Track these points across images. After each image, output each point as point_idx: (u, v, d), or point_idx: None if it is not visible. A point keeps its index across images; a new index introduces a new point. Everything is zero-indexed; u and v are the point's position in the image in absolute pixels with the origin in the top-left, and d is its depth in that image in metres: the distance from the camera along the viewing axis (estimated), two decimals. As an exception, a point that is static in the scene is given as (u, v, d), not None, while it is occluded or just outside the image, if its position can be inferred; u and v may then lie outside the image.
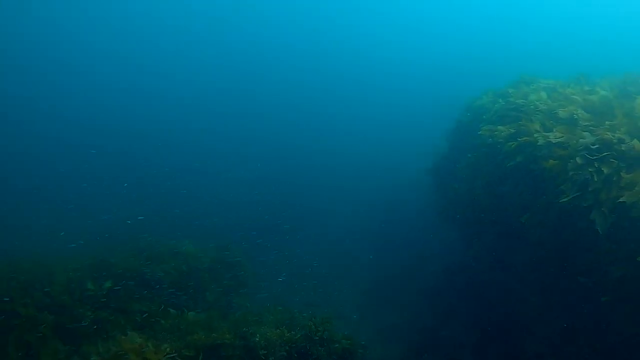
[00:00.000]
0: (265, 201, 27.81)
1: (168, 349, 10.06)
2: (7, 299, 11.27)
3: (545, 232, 10.89)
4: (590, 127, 11.19)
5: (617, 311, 9.43)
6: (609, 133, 10.47)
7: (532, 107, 13.78)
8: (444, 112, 23.73)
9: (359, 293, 19.46)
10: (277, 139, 37.71)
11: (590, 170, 9.73)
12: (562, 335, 11.15)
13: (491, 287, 14.69)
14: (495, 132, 13.47)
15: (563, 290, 11.16)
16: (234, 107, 42.99)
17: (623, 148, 9.87)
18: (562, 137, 11.22)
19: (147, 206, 23.96)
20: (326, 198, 28.86)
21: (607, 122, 11.18)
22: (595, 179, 9.54)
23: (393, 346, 15.77)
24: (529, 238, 11.57)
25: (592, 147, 10.16)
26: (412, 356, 15.32)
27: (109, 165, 30.08)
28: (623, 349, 9.68)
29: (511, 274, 13.32)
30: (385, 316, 17.81)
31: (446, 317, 16.58)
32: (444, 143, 21.36)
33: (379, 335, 16.33)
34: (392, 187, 29.68)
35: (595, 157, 9.94)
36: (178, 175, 29.87)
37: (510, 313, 13.34)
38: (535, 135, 11.86)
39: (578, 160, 10.07)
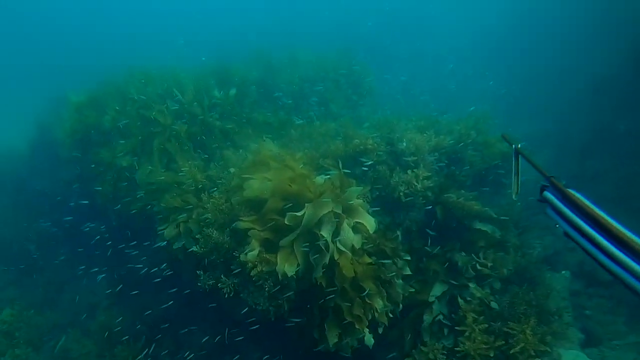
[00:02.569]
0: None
1: (304, 158, 9.38)
2: (146, 102, 11.08)
3: None
4: None
5: None
6: None
7: None
8: None
9: (505, 91, 16.93)
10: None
11: None
12: None
13: None
14: None
15: None
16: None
17: None
18: None
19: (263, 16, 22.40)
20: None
21: None
22: None
23: (550, 152, 14.04)
24: None
25: None
26: (572, 161, 13.55)
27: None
28: None
29: None
30: (540, 119, 15.64)
31: (625, 110, 13.73)
32: None
33: (535, 139, 14.28)
34: None
35: None
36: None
37: None
38: None
39: None
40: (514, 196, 3.15)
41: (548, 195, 2.44)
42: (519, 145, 2.94)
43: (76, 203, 11.40)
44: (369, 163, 8.89)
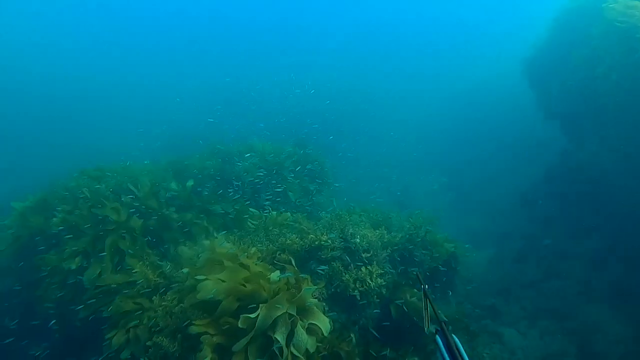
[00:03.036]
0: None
1: (259, 254, 9.46)
2: (99, 205, 10.87)
3: None
4: None
5: None
6: None
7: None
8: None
9: (447, 196, 18.43)
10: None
11: None
12: None
13: (609, 193, 12.97)
14: (631, 11, 11.18)
15: None
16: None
17: None
18: None
19: (217, 109, 23.14)
20: (403, 92, 27.01)
21: None
22: None
23: (488, 252, 14.81)
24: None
25: None
26: (509, 264, 14.35)
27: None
28: None
29: (638, 179, 11.52)
30: (477, 221, 16.77)
31: (546, 225, 15.29)
32: (542, 34, 18.62)
33: (472, 240, 15.40)
34: (480, 85, 27.18)
35: None
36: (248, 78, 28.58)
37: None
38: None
39: None
40: (426, 330, 3.52)
41: (437, 339, 2.90)
42: (426, 287, 3.60)
43: (12, 319, 10.50)
44: (324, 267, 9.00)
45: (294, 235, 10.04)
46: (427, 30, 37.06)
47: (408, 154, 22.31)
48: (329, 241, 9.36)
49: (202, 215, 12.41)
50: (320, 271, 8.93)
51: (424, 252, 10.06)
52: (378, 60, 33.63)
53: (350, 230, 9.59)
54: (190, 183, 12.82)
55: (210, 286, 7.91)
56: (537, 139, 19.44)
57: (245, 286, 7.86)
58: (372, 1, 42.87)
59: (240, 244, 10.38)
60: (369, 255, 9.31)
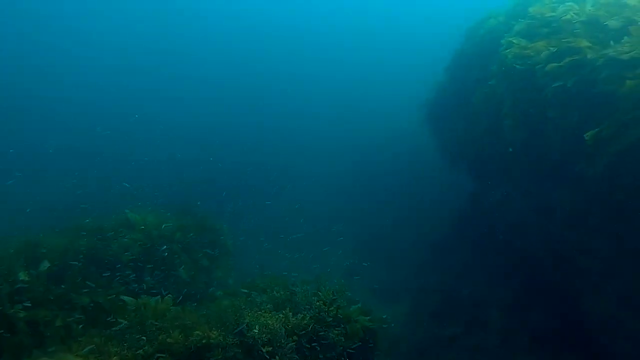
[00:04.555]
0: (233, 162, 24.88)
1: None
2: None
3: (622, 168, 8.29)
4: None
5: None
6: None
7: (566, 19, 11.21)
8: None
9: (353, 253, 17.27)
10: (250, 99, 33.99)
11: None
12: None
13: (524, 236, 12.46)
14: (527, 52, 11.00)
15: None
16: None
17: None
18: (634, 51, 8.66)
19: (89, 179, 20.40)
20: (307, 156, 26.18)
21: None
22: None
23: (405, 308, 13.68)
24: (585, 174, 9.10)
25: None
26: (428, 320, 13.27)
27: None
28: None
29: (553, 220, 10.91)
30: (388, 277, 15.71)
31: (461, 275, 14.65)
32: (440, 78, 18.60)
33: (385, 298, 14.29)
34: (382, 136, 26.90)
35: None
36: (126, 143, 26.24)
37: (558, 266, 11.08)
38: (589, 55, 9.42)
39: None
40: None
41: None
42: None
43: None
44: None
45: (176, 331, 7.97)
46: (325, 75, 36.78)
47: (313, 212, 21.02)
48: (220, 337, 7.45)
49: (62, 311, 9.91)
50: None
51: (336, 331, 8.46)
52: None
53: (247, 319, 7.76)
54: (44, 268, 10.31)
55: None
56: (444, 186, 19.10)
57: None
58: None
59: (108, 347, 8.13)
60: (270, 349, 7.48)
